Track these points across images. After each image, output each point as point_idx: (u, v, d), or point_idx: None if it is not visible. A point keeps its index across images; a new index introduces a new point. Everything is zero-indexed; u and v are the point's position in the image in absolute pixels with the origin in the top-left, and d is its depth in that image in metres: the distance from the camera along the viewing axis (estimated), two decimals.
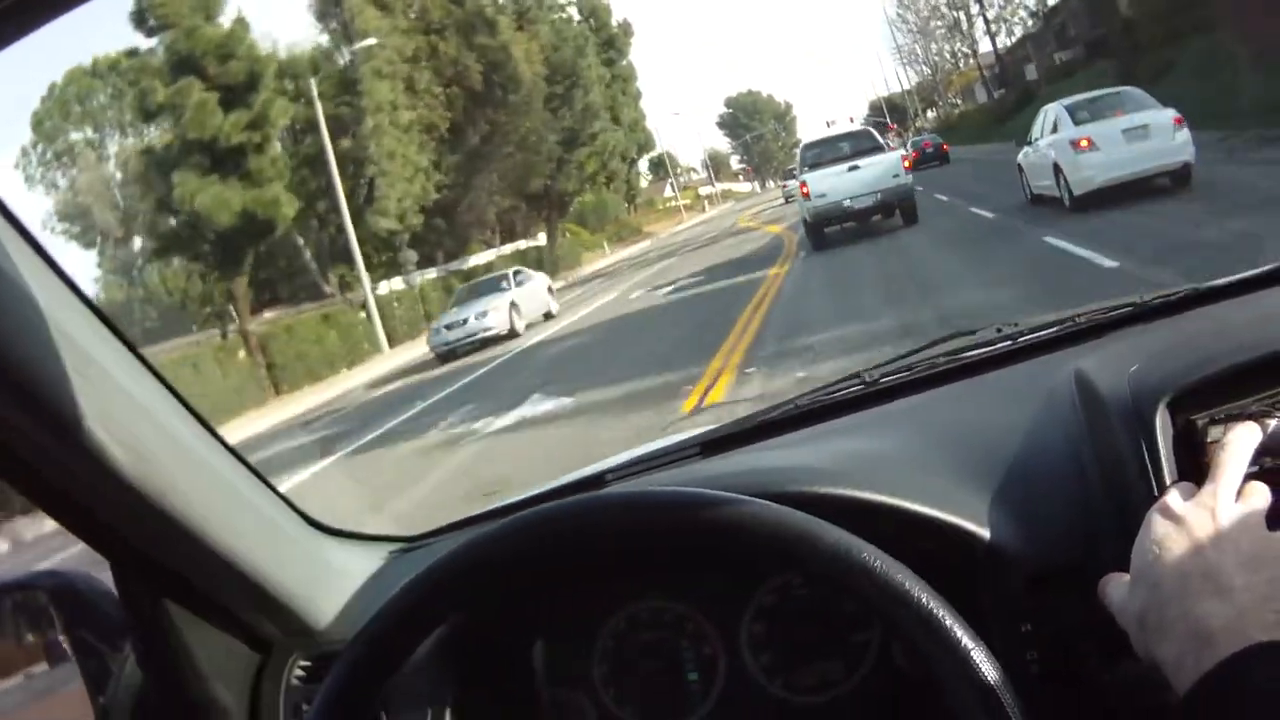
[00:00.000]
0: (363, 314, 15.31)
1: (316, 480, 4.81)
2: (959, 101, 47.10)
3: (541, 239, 26.80)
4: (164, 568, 0.63)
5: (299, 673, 0.70)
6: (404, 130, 19.19)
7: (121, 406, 0.56)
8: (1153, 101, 7.70)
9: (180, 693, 0.66)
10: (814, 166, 11.53)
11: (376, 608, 0.56)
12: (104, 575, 0.68)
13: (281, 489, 0.69)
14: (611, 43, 41.91)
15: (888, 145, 11.68)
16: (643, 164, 57.89)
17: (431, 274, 21.04)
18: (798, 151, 14.20)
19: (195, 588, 0.66)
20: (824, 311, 5.26)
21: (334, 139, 17.25)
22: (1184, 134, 6.97)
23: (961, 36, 46.21)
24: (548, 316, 12.83)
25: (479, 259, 23.24)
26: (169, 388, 0.61)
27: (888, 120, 63.33)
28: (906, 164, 10.57)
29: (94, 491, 0.56)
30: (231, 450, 0.66)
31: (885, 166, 10.79)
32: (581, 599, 0.74)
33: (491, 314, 11.50)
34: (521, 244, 26.77)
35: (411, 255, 19.51)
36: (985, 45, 39.96)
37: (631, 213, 46.54)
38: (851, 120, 75.74)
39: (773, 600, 0.73)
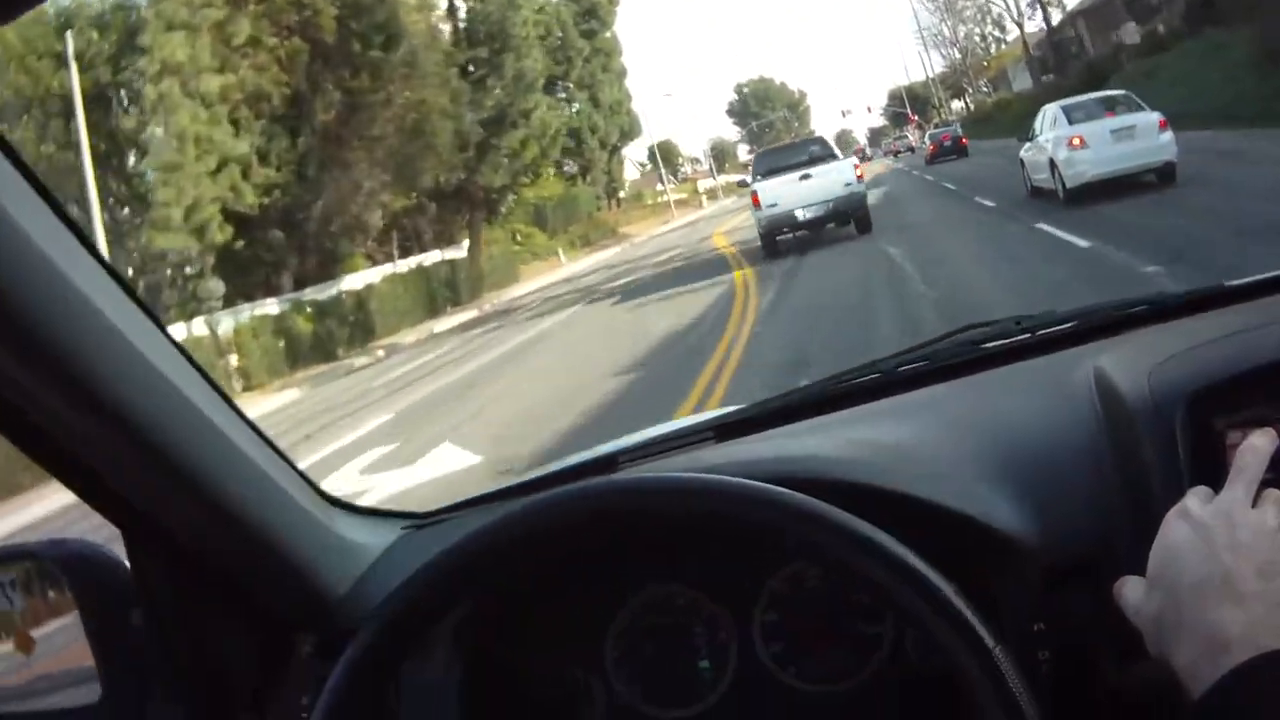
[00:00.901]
0: None
1: None
2: (990, 90, 46.45)
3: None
4: (176, 539, 0.74)
5: (309, 649, 0.83)
6: (206, 104, 14.76)
7: (138, 374, 0.65)
8: (1142, 104, 10.12)
9: (190, 665, 0.78)
10: (767, 175, 13.49)
11: (388, 585, 0.68)
12: (115, 546, 0.80)
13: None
14: (593, 11, 39.62)
15: (840, 154, 13.46)
16: (638, 152, 56.24)
17: (272, 306, 16.36)
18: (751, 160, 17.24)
19: (207, 560, 0.77)
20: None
21: (107, 118, 13.98)
22: (1167, 135, 9.31)
23: (992, 20, 46.49)
24: None
25: (356, 280, 18.61)
26: (187, 356, 0.72)
27: (908, 111, 61.68)
28: (859, 173, 12.77)
29: (106, 459, 0.67)
30: (248, 422, 0.78)
31: (837, 175, 12.78)
32: (595, 583, 0.86)
33: None
34: (435, 255, 22.10)
35: (215, 287, 15.10)
36: (1028, 25, 40.87)
37: (612, 208, 43.97)
38: (870, 110, 77.91)
39: (786, 589, 0.85)
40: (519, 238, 28.74)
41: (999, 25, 47.76)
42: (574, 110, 39.48)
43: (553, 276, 23.82)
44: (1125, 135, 9.48)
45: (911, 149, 43.51)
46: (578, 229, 34.05)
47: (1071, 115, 10.20)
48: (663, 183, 51.49)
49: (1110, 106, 10.30)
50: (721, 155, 74.09)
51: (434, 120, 18.75)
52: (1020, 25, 35.85)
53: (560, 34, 37.85)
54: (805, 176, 12.94)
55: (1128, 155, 9.32)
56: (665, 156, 70.89)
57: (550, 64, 38.42)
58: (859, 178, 12.94)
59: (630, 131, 43.43)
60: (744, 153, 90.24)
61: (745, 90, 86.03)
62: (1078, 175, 9.70)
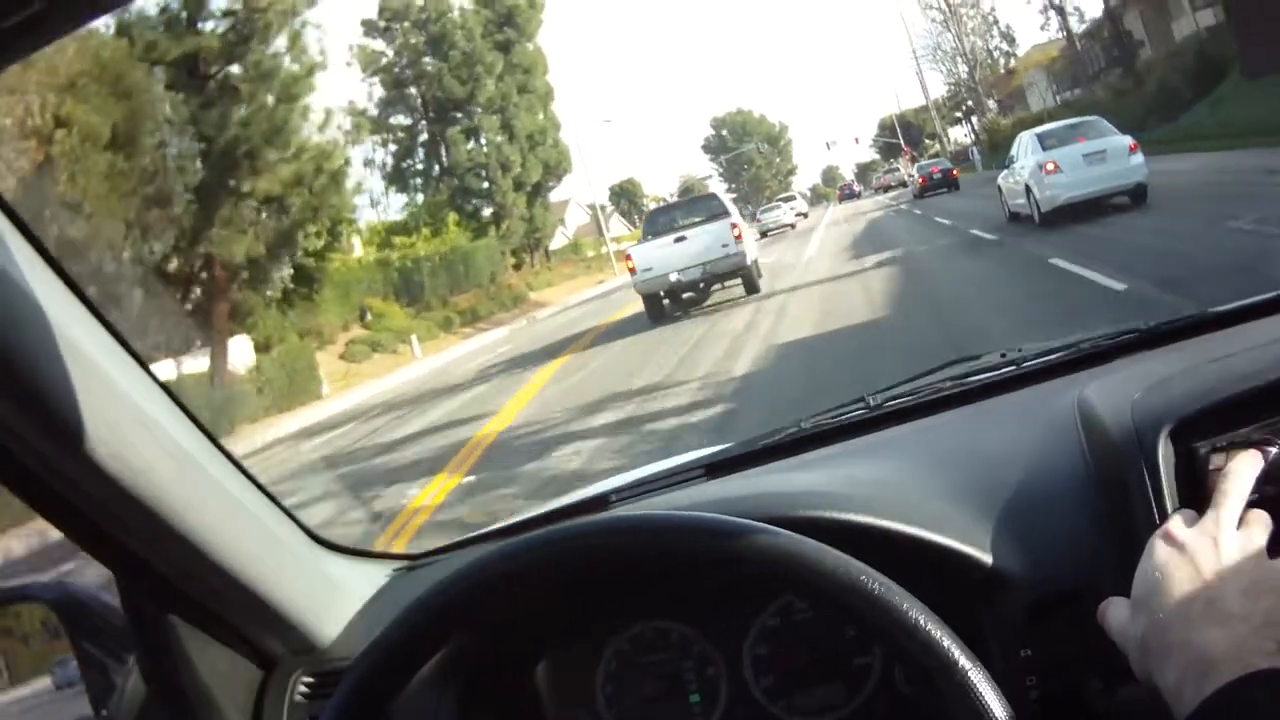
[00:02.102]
0: None
1: None
2: (1000, 109, 47.48)
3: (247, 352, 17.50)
4: (168, 581, 0.90)
5: (303, 688, 1.02)
6: None
7: (127, 417, 0.80)
8: (1113, 129, 13.00)
9: (183, 706, 0.95)
10: (655, 236, 15.42)
11: (380, 625, 0.82)
12: (107, 588, 0.96)
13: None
14: (509, 18, 37.21)
15: (727, 211, 15.70)
16: (599, 194, 55.50)
17: None
18: (645, 218, 18.42)
19: (199, 601, 0.93)
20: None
21: None
22: (1138, 158, 12.08)
23: (1000, 32, 47.00)
24: None
25: None
26: (175, 399, 0.88)
27: (900, 141, 64.48)
28: (737, 233, 14.64)
29: (98, 503, 0.81)
30: (236, 464, 0.94)
31: (713, 237, 14.66)
32: (586, 619, 1.04)
33: None
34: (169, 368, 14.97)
35: None
36: (1048, 33, 40.29)
37: (535, 264, 39.44)
38: (857, 142, 78.99)
39: (776, 623, 1.02)
40: (368, 318, 24.51)
41: (1008, 38, 48.60)
42: (480, 142, 37.38)
43: (376, 387, 17.72)
44: (1097, 159, 12.32)
45: (904, 183, 46.50)
46: (467, 298, 29.63)
47: (1045, 142, 13.26)
48: (601, 232, 47.84)
49: (1082, 132, 13.27)
50: (631, 198, 70.84)
51: (85, 155, 13.51)
52: (1061, 10, 34.80)
53: (464, 44, 36.01)
54: (680, 239, 14.90)
55: (1100, 178, 12.21)
56: (628, 196, 70.85)
57: (454, 83, 36.47)
58: (737, 238, 14.80)
59: (557, 168, 39.97)
60: (718, 190, 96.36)
61: (722, 123, 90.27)
62: (1051, 199, 12.46)
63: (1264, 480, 0.78)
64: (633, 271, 15.42)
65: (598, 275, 41.57)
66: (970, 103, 52.21)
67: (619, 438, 7.29)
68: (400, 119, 38.94)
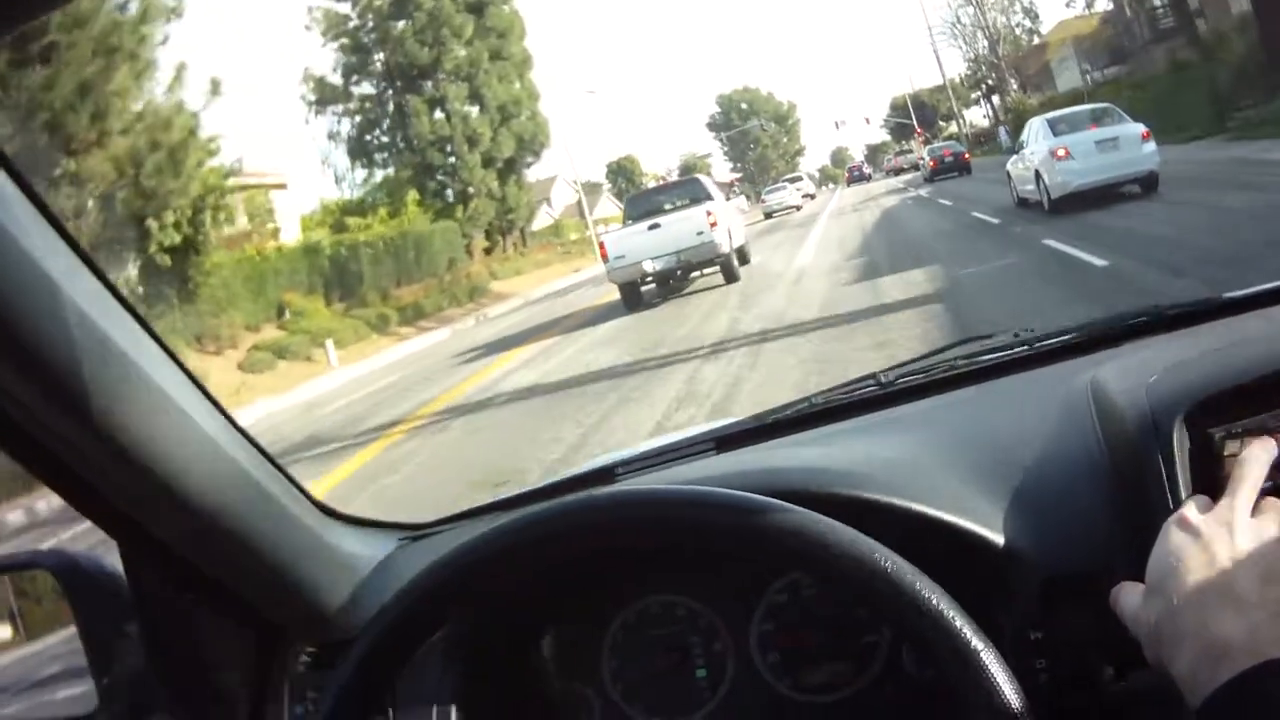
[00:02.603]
0: None
1: None
2: (1025, 90, 46.94)
3: None
4: (171, 550, 0.96)
5: (305, 659, 1.09)
6: None
7: (133, 386, 0.86)
8: (1125, 117, 13.94)
9: (185, 676, 1.04)
10: (636, 220, 16.34)
11: (384, 596, 0.89)
12: (111, 556, 1.04)
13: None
14: None
15: (710, 196, 17.01)
16: (586, 171, 58.17)
17: None
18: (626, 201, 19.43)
19: (202, 570, 0.99)
20: None
21: None
22: (1150, 146, 13.02)
23: (1023, 8, 48.06)
24: None
25: None
26: (182, 368, 0.94)
27: (914, 122, 66.54)
28: (712, 221, 15.43)
29: (103, 471, 0.87)
30: (243, 432, 1.00)
31: (689, 224, 15.59)
32: (592, 593, 1.11)
33: None
34: None
35: None
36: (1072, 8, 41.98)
37: (508, 250, 38.49)
38: (868, 122, 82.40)
39: (783, 599, 1.09)
40: (287, 317, 22.43)
41: (1030, 14, 50.08)
42: (445, 113, 36.46)
43: (270, 405, 15.99)
44: (1109, 146, 13.23)
45: (916, 166, 47.08)
46: (416, 291, 27.93)
47: (1056, 128, 14.07)
48: (583, 214, 47.29)
49: (1095, 119, 14.17)
50: (629, 175, 71.31)
51: None
52: None
53: (430, 3, 35.40)
54: (654, 226, 15.72)
55: (1111, 166, 13.12)
56: (625, 174, 70.74)
57: (416, 47, 35.32)
58: (712, 225, 15.50)
59: (533, 143, 39.12)
60: (727, 172, 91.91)
61: (728, 100, 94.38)
62: (1062, 185, 13.29)
63: (1278, 468, 0.83)
64: (606, 259, 16.18)
65: (575, 262, 38.79)
66: (991, 81, 51.93)
67: None
68: (365, 88, 37.48)
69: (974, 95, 58.02)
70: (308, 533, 1.10)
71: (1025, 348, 1.35)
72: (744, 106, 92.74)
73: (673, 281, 16.38)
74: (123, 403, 0.86)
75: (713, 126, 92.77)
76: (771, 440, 1.30)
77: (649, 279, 15.95)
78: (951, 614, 0.77)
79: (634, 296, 16.27)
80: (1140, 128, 13.60)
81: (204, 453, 0.95)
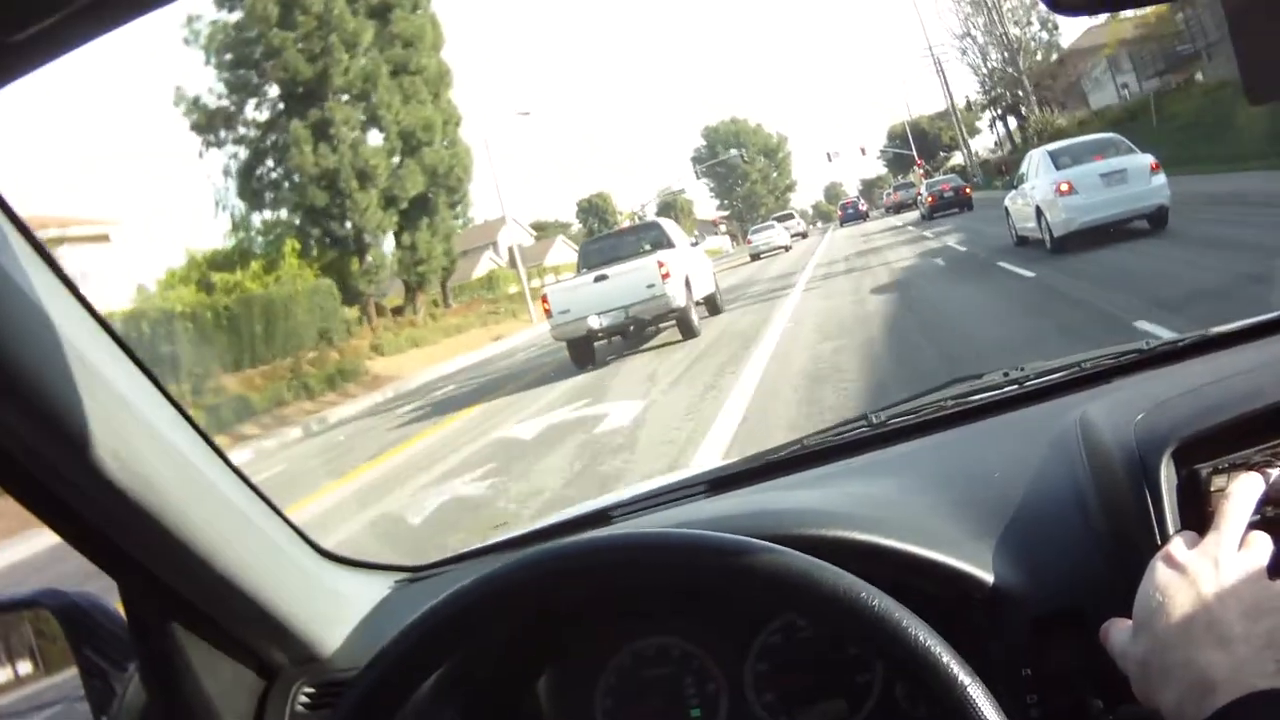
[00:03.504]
0: None
1: None
2: (1048, 108, 44.47)
3: None
4: (170, 589, 1.10)
5: (304, 699, 1.25)
6: None
7: (131, 426, 1.00)
8: (1132, 147, 14.44)
9: (184, 715, 1.18)
10: (591, 270, 16.40)
11: (382, 637, 1.01)
12: (111, 596, 1.17)
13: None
14: None
15: (672, 242, 17.64)
16: (563, 209, 51.21)
17: None
18: (578, 249, 19.02)
19: (201, 611, 1.13)
20: None
21: None
22: (1160, 178, 13.66)
23: (1039, 18, 44.91)
24: None
25: None
26: (179, 408, 1.07)
27: (913, 152, 66.46)
28: (664, 272, 15.73)
29: (102, 511, 1.01)
30: (239, 473, 1.15)
31: (638, 276, 15.76)
32: (587, 634, 1.26)
33: None
34: None
35: None
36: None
37: (417, 314, 34.98)
38: (863, 152, 78.49)
39: (777, 640, 1.24)
40: None
41: (1048, 24, 47.17)
42: (330, 141, 32.04)
43: None
44: (1116, 180, 13.80)
45: (916, 201, 44.35)
46: (248, 379, 24.51)
47: (1058, 160, 14.73)
48: (516, 265, 42.81)
49: (1099, 150, 14.64)
50: (602, 215, 72.62)
51: None
52: None
53: (318, 6, 31.76)
54: (601, 278, 16.01)
55: (1119, 201, 13.73)
56: (598, 213, 70.62)
57: (299, 59, 31.60)
58: (664, 277, 15.73)
59: (448, 177, 35.71)
60: (708, 208, 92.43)
61: (714, 133, 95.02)
62: (1066, 223, 13.84)
63: (1265, 502, 0.98)
64: (549, 314, 16.33)
65: (502, 326, 34.58)
66: (1010, 97, 49.20)
67: None
68: (257, 113, 33.45)
69: (989, 117, 57.06)
70: (306, 574, 1.27)
71: (1015, 387, 1.55)
72: (732, 139, 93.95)
73: (629, 335, 16.48)
74: (121, 443, 1.01)
75: (698, 160, 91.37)
76: (764, 482, 1.50)
77: (599, 335, 16.20)
78: (941, 653, 0.90)
79: (584, 353, 16.52)
80: (1148, 159, 14.04)
81: (202, 494, 1.10)
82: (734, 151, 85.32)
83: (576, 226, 68.33)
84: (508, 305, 39.59)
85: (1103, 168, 15.32)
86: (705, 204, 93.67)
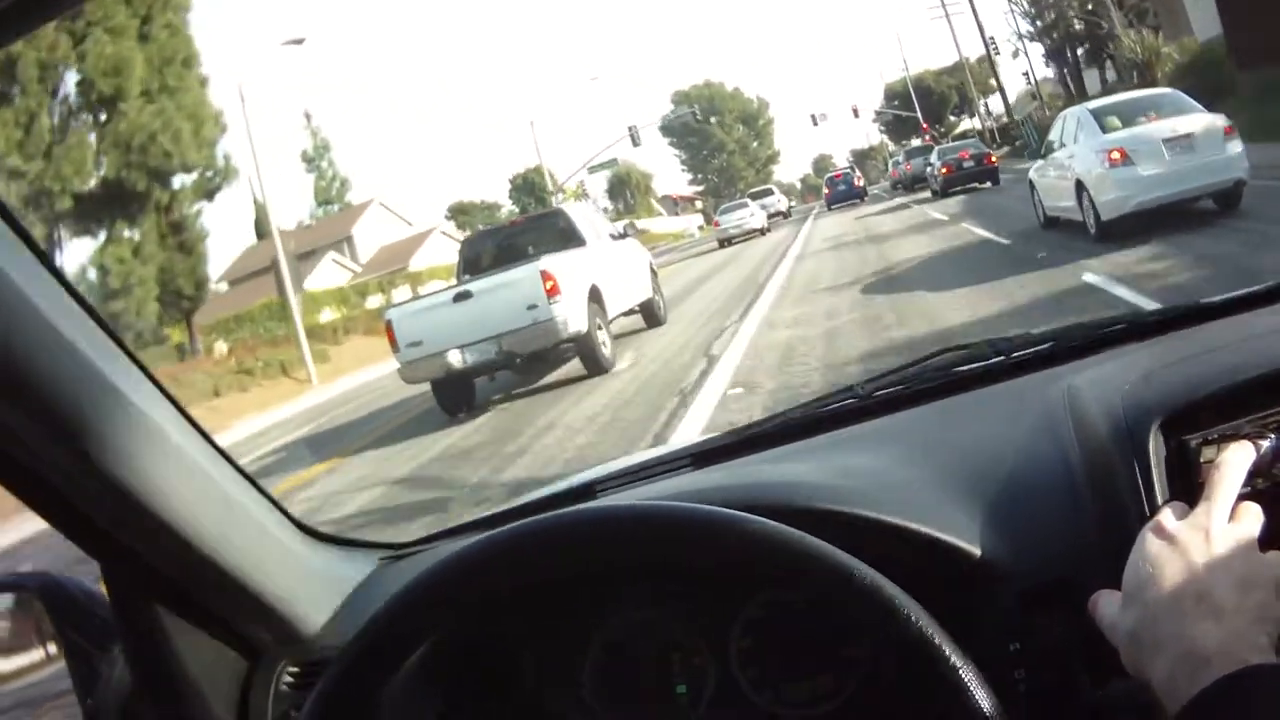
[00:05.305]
0: None
1: None
2: (1147, 31, 29.35)
3: None
4: (154, 570, 1.12)
5: (288, 679, 1.27)
6: None
7: (114, 407, 1.01)
8: (1196, 105, 11.45)
9: (168, 696, 1.20)
10: (473, 276, 12.72)
11: (366, 615, 1.02)
12: (93, 577, 1.21)
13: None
14: None
15: (583, 237, 13.73)
16: (495, 188, 43.66)
17: None
18: (461, 248, 15.09)
19: (185, 591, 1.15)
20: None
21: None
22: (1236, 145, 10.98)
23: None
24: None
25: None
26: (162, 390, 1.09)
27: (919, 115, 57.68)
28: (550, 286, 11.65)
29: (85, 492, 1.03)
30: (223, 453, 1.17)
31: (514, 293, 11.62)
32: (572, 609, 1.27)
33: None
34: None
35: None
36: None
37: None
38: (856, 114, 64.60)
39: (762, 614, 1.25)
40: None
41: None
42: None
43: None
44: (1182, 147, 11.15)
45: (923, 177, 35.84)
46: None
47: (1104, 120, 11.96)
48: (282, 291, 26.30)
49: (1153, 107, 12.00)
50: (628, 188, 70.72)
51: None
52: None
53: None
54: (462, 296, 12.05)
55: (1187, 174, 11.10)
56: (532, 190, 62.71)
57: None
58: (550, 293, 11.82)
59: (171, 161, 25.93)
60: (679, 182, 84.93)
61: (686, 98, 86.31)
62: (1118, 202, 11.26)
63: (1255, 473, 0.98)
64: (395, 347, 12.42)
65: (242, 398, 23.70)
66: (1076, 14, 38.20)
67: None
68: None
69: (1039, 47, 45.29)
70: (290, 552, 1.29)
71: (1001, 358, 1.54)
72: (706, 105, 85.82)
73: (515, 369, 12.60)
74: (103, 424, 1.00)
75: (668, 130, 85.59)
76: (750, 455, 1.50)
77: (468, 373, 12.14)
78: (927, 627, 0.89)
79: (453, 396, 12.63)
80: (1221, 120, 11.41)
81: (185, 473, 1.11)
82: (687, 109, 75.10)
83: (506, 208, 62.50)
84: (295, 352, 26.56)
85: (1164, 130, 12.06)
86: (677, 178, 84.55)
